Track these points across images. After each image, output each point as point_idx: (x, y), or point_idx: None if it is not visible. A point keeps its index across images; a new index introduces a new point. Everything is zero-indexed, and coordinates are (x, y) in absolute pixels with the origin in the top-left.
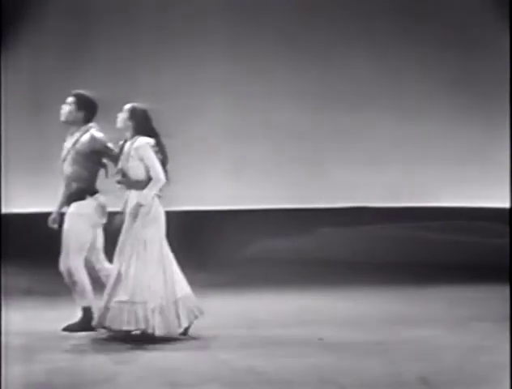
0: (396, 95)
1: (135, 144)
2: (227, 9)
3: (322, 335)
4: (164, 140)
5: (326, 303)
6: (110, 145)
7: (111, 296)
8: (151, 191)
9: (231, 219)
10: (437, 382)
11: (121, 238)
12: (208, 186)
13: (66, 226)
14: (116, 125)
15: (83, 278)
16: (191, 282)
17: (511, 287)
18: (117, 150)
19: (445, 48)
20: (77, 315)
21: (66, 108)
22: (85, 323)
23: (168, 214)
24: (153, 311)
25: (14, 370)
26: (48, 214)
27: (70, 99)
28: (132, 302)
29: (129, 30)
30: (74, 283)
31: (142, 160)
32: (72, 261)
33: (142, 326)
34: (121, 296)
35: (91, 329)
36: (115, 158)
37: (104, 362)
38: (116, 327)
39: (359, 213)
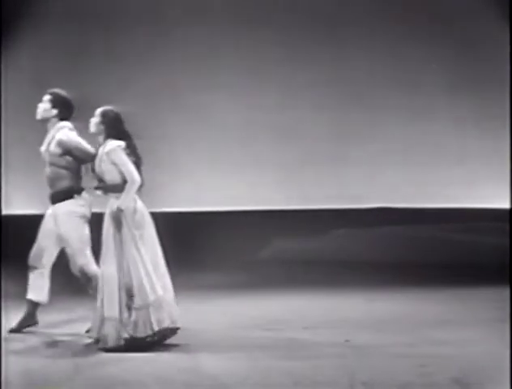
0: (406, 95)
1: (106, 148)
2: (228, 8)
3: (348, 337)
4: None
5: (349, 304)
6: (83, 143)
7: (121, 304)
8: (128, 194)
9: (247, 219)
10: (468, 383)
11: (106, 244)
12: (223, 186)
13: (62, 228)
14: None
15: (96, 271)
16: (209, 283)
17: (511, 288)
18: (91, 149)
19: (445, 49)
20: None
21: (42, 106)
22: None
23: (183, 215)
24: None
25: (14, 373)
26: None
27: (46, 97)
28: (147, 304)
29: (128, 30)
30: (89, 280)
31: (114, 163)
32: (82, 260)
33: (166, 324)
34: (137, 301)
35: None
36: (89, 156)
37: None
38: (141, 333)
39: (377, 214)
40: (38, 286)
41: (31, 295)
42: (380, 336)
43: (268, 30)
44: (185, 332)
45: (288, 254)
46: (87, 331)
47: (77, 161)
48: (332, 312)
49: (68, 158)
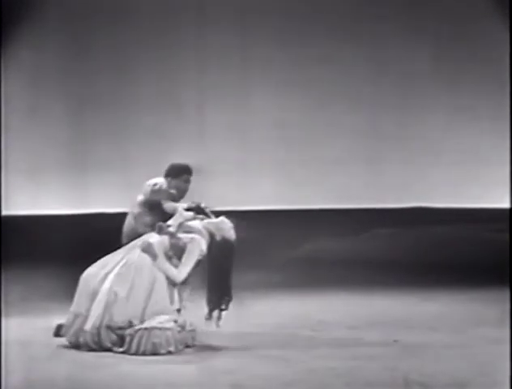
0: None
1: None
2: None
3: (397, 337)
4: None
5: (393, 305)
6: None
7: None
8: (164, 265)
9: (284, 219)
10: None
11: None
12: (259, 186)
13: None
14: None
15: None
16: (245, 284)
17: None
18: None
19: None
20: None
21: None
22: None
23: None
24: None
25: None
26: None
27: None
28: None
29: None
30: None
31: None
32: None
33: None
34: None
35: None
36: None
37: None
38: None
39: (415, 213)
40: None
41: None
42: (432, 336)
43: (307, 29)
44: (227, 334)
45: (326, 254)
46: None
47: None
48: (377, 312)
49: None
